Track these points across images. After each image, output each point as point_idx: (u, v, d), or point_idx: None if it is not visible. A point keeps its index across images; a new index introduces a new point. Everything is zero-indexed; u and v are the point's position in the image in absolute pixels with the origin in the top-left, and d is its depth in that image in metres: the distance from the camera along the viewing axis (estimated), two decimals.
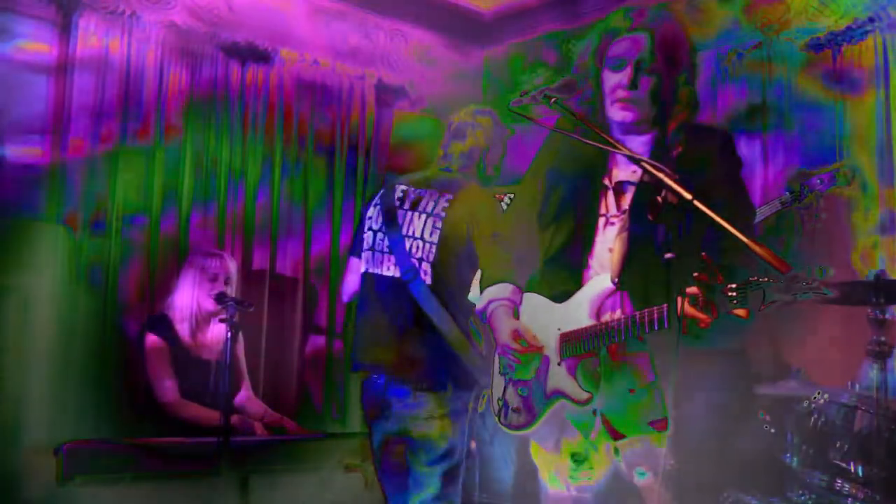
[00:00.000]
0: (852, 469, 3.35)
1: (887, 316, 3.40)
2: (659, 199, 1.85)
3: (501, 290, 2.55)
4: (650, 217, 1.87)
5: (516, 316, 2.51)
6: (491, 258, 2.67)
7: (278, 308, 4.84)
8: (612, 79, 2.36)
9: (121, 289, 4.29)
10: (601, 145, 2.20)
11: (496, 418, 2.55)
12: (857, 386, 3.58)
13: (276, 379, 4.76)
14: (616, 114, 2.36)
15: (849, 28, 4.20)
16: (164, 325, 3.95)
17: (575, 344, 2.31)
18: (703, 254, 1.88)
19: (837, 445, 3.40)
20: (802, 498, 3.39)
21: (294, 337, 4.91)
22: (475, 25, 5.88)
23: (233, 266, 4.11)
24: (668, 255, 1.82)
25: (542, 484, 2.50)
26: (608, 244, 2.32)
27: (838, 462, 3.38)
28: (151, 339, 3.89)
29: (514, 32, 5.76)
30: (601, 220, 2.37)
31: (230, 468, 3.32)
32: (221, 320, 3.45)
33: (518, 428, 2.46)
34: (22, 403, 3.82)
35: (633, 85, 2.31)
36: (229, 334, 3.37)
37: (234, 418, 3.79)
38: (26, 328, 3.89)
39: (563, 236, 2.41)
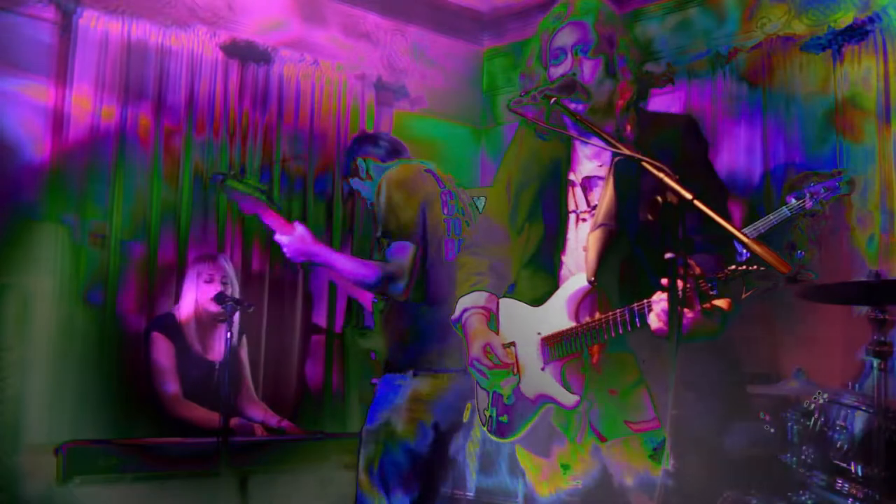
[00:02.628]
0: (852, 469, 3.35)
1: (887, 316, 3.39)
2: (659, 198, 1.83)
3: (476, 299, 2.50)
4: (650, 217, 1.85)
5: (494, 325, 2.48)
6: (465, 266, 2.63)
7: (278, 308, 4.84)
8: (556, 73, 2.30)
9: (121, 289, 4.29)
10: (602, 145, 2.18)
11: (484, 428, 2.52)
12: (857, 386, 3.58)
13: (276, 379, 4.76)
14: (567, 104, 2.23)
15: (849, 28, 4.20)
16: (170, 324, 3.97)
17: (557, 347, 2.27)
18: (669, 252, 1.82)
19: (837, 445, 3.40)
20: (802, 498, 3.39)
21: (294, 337, 4.91)
22: (475, 25, 5.88)
23: (228, 266, 4.10)
24: (668, 255, 1.80)
25: (530, 487, 2.49)
26: (582, 242, 2.28)
27: (838, 462, 3.38)
28: (157, 336, 3.91)
29: (515, 31, 5.76)
30: (572, 217, 2.33)
31: (230, 468, 3.32)
32: (221, 321, 3.45)
33: (507, 436, 2.44)
34: (22, 403, 3.83)
35: (574, 72, 2.25)
36: (228, 334, 3.38)
37: (234, 421, 3.79)
38: (26, 328, 3.90)
39: (536, 238, 2.37)
